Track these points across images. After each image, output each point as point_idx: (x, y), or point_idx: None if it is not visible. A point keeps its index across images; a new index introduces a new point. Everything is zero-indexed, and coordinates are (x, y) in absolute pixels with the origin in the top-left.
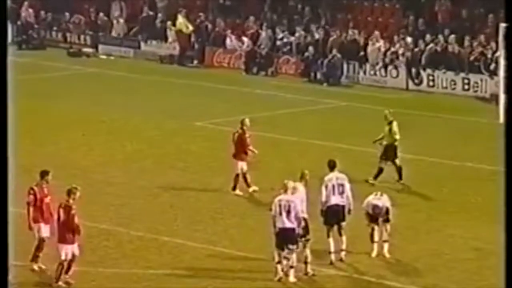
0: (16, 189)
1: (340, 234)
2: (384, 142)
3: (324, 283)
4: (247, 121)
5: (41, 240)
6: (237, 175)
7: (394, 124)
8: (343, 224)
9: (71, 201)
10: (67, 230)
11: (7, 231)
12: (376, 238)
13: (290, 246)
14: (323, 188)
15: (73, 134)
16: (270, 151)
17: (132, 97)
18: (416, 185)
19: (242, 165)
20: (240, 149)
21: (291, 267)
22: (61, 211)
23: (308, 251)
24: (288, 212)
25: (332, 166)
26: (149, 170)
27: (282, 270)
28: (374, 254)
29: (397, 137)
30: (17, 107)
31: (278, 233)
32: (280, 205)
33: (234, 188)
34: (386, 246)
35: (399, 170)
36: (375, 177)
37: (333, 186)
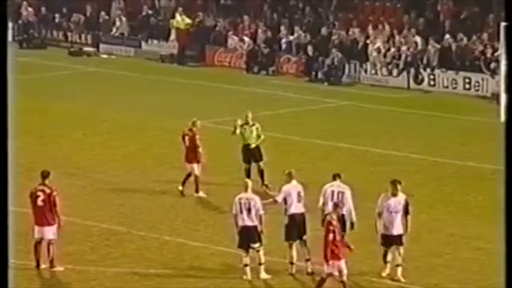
0: (17, 189)
1: None
2: (245, 143)
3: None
4: (198, 122)
5: (48, 243)
6: (189, 176)
7: (257, 126)
8: (342, 234)
9: (47, 182)
10: (46, 213)
11: (7, 230)
12: (388, 257)
13: (253, 245)
14: (321, 196)
15: (74, 133)
16: (271, 151)
17: (133, 96)
18: (417, 185)
19: (194, 168)
20: (191, 151)
21: (260, 264)
22: (41, 194)
23: (306, 250)
24: (249, 210)
25: (335, 178)
26: (150, 169)
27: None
28: (385, 273)
29: (261, 139)
30: (18, 106)
31: (240, 232)
32: (240, 203)
33: (196, 191)
34: (399, 270)
35: (260, 173)
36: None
37: (332, 192)
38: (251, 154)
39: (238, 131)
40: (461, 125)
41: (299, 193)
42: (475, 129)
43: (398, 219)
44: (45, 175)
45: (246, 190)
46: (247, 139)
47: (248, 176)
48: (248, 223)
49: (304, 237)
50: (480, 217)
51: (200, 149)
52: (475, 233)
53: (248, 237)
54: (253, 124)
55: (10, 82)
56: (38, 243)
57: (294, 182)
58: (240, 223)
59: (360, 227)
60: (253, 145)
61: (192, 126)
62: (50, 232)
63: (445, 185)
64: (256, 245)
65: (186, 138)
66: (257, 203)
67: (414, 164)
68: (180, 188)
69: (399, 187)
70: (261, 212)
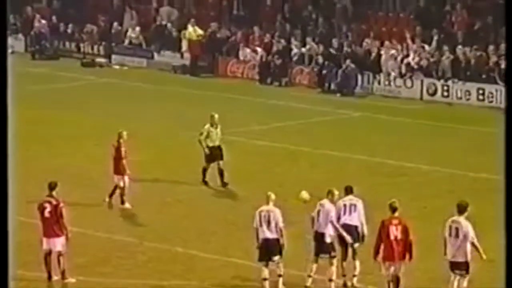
0: (28, 200)
1: (354, 258)
2: (211, 144)
3: None
4: (124, 134)
5: (58, 254)
6: (116, 187)
7: (219, 128)
8: (356, 246)
9: (54, 194)
10: (53, 225)
11: (7, 240)
12: (454, 285)
13: (274, 258)
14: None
15: (86, 144)
16: (284, 162)
17: (145, 107)
18: (430, 196)
19: (121, 179)
20: (117, 163)
21: (279, 275)
22: (48, 206)
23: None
24: (268, 223)
25: (348, 192)
26: (162, 180)
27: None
28: None
29: (220, 139)
30: (30, 117)
31: (261, 245)
32: (260, 216)
33: (110, 196)
34: None
35: (221, 173)
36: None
37: (344, 206)
38: (215, 155)
39: (204, 134)
40: (475, 136)
41: (318, 212)
42: (489, 140)
43: (466, 244)
44: (52, 186)
45: (267, 202)
46: (214, 141)
47: (205, 176)
48: (268, 235)
49: (322, 255)
50: (494, 229)
51: (124, 161)
52: (490, 244)
53: (269, 249)
54: (217, 126)
55: (13, 88)
56: (48, 254)
57: (324, 201)
58: (261, 235)
59: (372, 239)
60: (218, 146)
61: (119, 137)
62: (58, 244)
63: (458, 197)
64: (276, 257)
65: (113, 149)
66: (277, 215)
67: (428, 176)
68: (107, 199)
69: (468, 208)
70: (281, 224)
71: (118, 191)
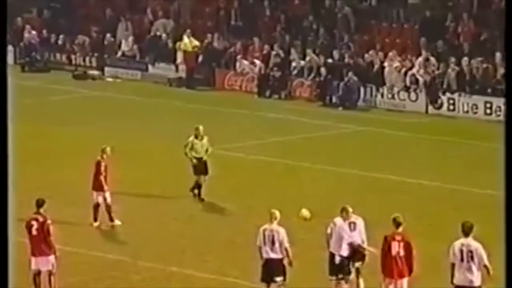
0: (20, 218)
1: (357, 277)
2: (196, 156)
3: None
4: (108, 149)
5: (49, 274)
6: (97, 206)
7: (206, 139)
8: (358, 264)
9: (42, 211)
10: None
11: (7, 260)
12: None
13: (276, 279)
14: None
15: (79, 159)
16: (283, 178)
17: (140, 121)
18: (435, 213)
19: (102, 196)
20: (96, 179)
21: None
22: (35, 223)
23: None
24: (272, 243)
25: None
26: (157, 197)
27: None
28: None
29: (209, 151)
30: (20, 131)
31: (264, 265)
32: (264, 235)
33: (95, 220)
34: None
35: (199, 186)
36: (193, 189)
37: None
38: (201, 167)
39: (189, 145)
40: (482, 151)
41: (331, 230)
42: (496, 156)
43: (480, 267)
44: (40, 203)
45: (271, 220)
46: (199, 152)
47: (199, 188)
48: (272, 255)
49: (330, 278)
50: (500, 247)
51: (102, 177)
52: (496, 263)
53: (271, 270)
54: (203, 138)
55: (13, 102)
56: (37, 275)
57: (337, 219)
58: (264, 255)
59: (374, 258)
60: (203, 158)
61: (102, 153)
62: (48, 263)
63: (463, 214)
64: (279, 278)
65: (95, 165)
66: (281, 235)
67: (432, 192)
68: (95, 224)
69: (474, 229)
70: (286, 244)
71: (100, 210)
